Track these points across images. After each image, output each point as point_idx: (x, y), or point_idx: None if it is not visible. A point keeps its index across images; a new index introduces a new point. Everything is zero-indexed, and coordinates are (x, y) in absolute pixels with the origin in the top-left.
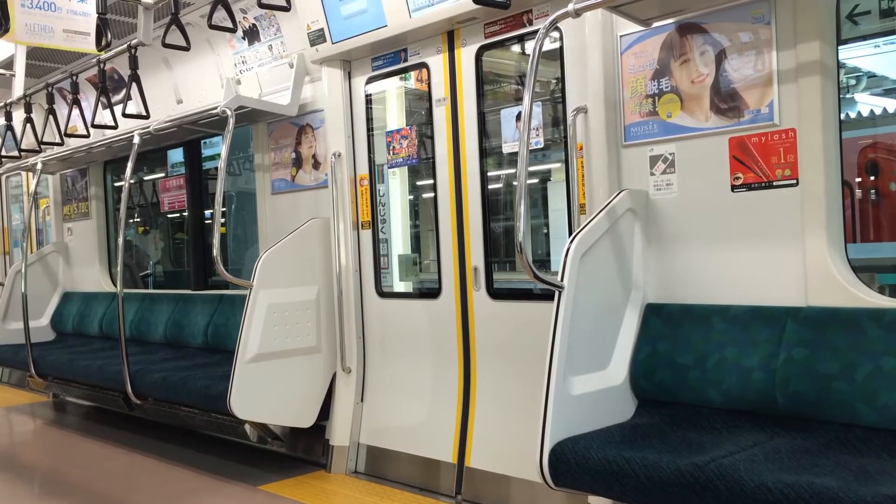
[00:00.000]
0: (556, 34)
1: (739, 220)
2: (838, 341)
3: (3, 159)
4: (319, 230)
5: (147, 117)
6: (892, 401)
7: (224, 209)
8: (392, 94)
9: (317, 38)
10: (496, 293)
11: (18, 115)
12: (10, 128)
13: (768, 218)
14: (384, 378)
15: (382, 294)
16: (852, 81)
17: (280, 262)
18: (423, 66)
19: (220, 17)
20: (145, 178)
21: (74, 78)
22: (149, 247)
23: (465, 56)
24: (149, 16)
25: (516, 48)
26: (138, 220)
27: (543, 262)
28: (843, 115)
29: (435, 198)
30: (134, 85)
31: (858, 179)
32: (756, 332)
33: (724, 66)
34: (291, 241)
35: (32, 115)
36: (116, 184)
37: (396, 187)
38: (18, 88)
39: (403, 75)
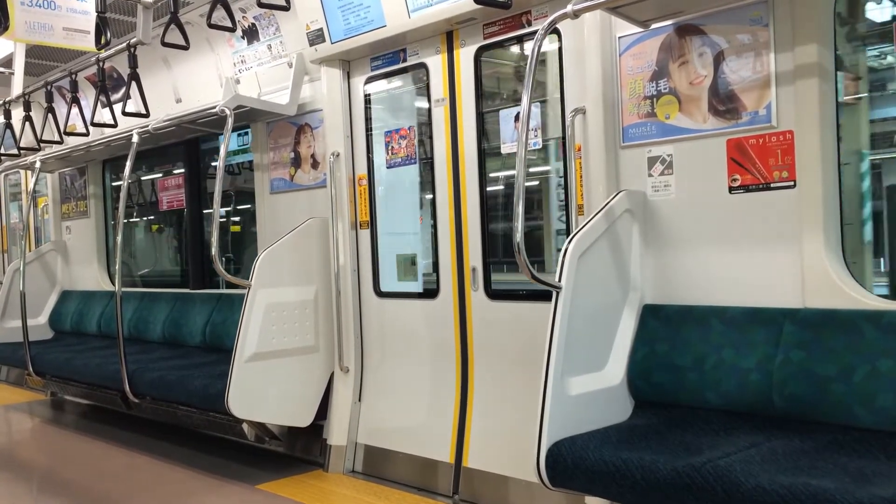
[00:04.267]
0: (554, 35)
1: (737, 222)
2: (835, 343)
3: (1, 157)
4: (318, 230)
5: (147, 116)
6: (890, 402)
7: (247, 206)
8: (395, 95)
9: (316, 37)
10: (494, 293)
11: (17, 114)
12: (9, 126)
13: (766, 220)
14: (382, 378)
15: (381, 294)
16: None
17: (278, 262)
18: (422, 66)
19: (220, 16)
20: (149, 177)
21: (74, 76)
22: (162, 245)
23: (464, 56)
24: (148, 15)
25: (515, 49)
26: (143, 218)
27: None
28: None
29: (433, 198)
30: (133, 84)
31: None
32: (754, 334)
33: (722, 68)
34: (289, 241)
35: (31, 114)
36: (129, 181)
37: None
38: (17, 86)
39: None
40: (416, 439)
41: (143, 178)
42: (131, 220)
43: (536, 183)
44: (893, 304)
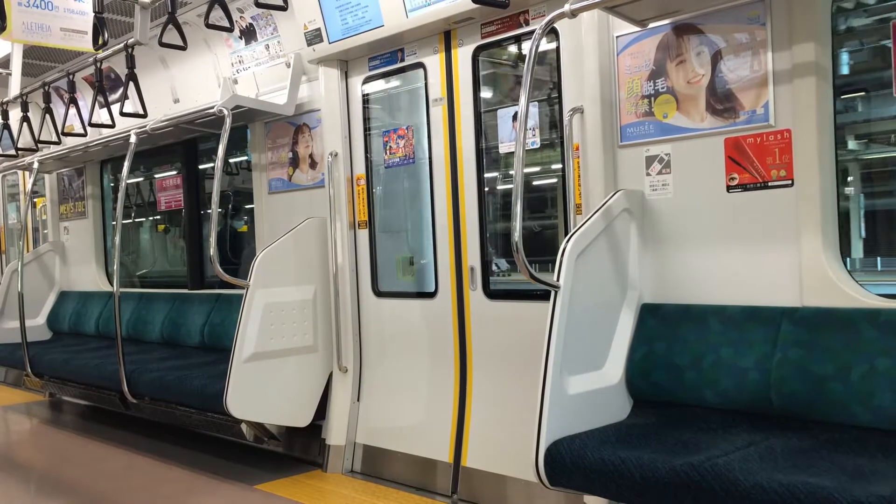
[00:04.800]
0: (552, 34)
1: (735, 221)
2: (833, 342)
3: None
4: (316, 230)
5: (144, 116)
6: (887, 401)
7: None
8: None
9: (314, 37)
10: (492, 293)
11: (15, 114)
12: (6, 126)
13: (764, 218)
14: (380, 377)
15: (379, 293)
16: None
17: (277, 262)
18: (420, 65)
19: (217, 16)
20: (148, 177)
21: (71, 77)
22: (165, 245)
23: (462, 56)
24: (146, 15)
25: (513, 48)
26: (143, 218)
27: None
28: None
29: (431, 197)
30: (131, 84)
31: None
32: (752, 333)
33: (719, 67)
34: (288, 241)
35: (29, 114)
36: (129, 181)
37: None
38: (15, 87)
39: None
40: (415, 439)
41: (141, 179)
42: (136, 220)
43: (554, 180)
44: (891, 302)
